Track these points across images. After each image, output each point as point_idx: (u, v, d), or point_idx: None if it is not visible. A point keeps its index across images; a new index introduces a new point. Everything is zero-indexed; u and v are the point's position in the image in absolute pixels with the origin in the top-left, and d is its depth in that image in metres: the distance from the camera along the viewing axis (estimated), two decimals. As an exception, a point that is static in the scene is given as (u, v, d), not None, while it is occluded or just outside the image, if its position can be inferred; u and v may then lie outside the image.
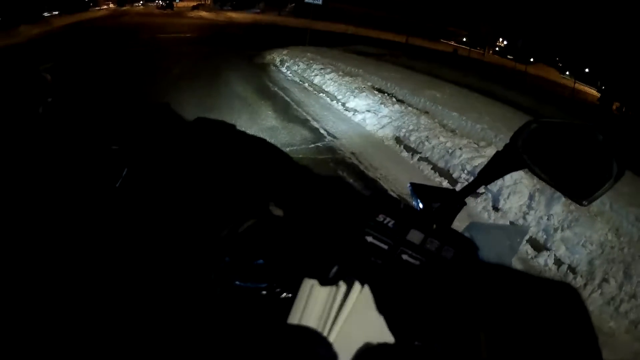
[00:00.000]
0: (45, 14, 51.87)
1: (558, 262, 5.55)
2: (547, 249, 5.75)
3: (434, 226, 1.22)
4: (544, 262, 5.52)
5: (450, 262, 1.16)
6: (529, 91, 28.21)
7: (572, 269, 5.42)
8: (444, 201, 1.40)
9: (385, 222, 1.16)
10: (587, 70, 77.97)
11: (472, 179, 4.93)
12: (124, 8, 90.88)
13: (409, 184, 1.50)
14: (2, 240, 1.29)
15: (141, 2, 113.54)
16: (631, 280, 5.19)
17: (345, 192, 1.38)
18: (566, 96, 41.24)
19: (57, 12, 57.11)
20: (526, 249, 5.74)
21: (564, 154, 1.33)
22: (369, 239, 1.12)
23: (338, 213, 1.21)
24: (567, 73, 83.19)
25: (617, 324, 4.71)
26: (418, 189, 1.47)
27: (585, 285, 5.17)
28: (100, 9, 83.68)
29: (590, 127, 1.28)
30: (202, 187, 1.34)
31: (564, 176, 1.31)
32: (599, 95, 51.18)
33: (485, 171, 1.34)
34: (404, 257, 1.12)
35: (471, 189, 1.34)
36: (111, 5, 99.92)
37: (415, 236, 1.15)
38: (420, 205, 1.42)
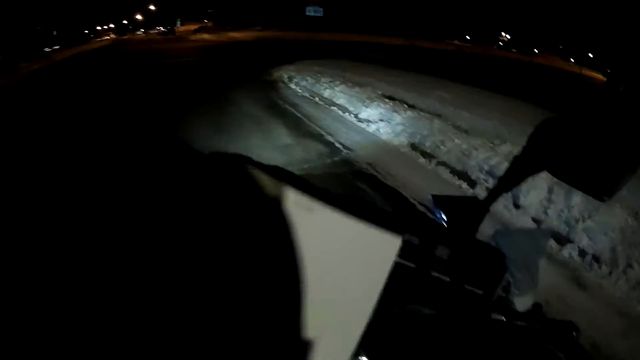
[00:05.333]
0: (46, 49, 52.32)
1: (582, 253, 5.54)
2: (571, 242, 5.75)
3: (460, 239, 1.24)
4: (569, 255, 5.52)
5: (480, 274, 1.17)
6: (535, 82, 28.16)
7: (596, 258, 5.42)
8: (468, 211, 1.42)
9: (410, 240, 1.17)
10: (590, 55, 77.72)
11: (489, 178, 4.97)
12: (125, 37, 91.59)
13: (430, 196, 1.50)
14: None
15: (142, 30, 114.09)
16: None
17: (367, 213, 1.35)
18: (573, 83, 41.11)
19: (57, 47, 57.63)
20: (551, 244, 5.72)
21: (582, 150, 1.32)
22: (396, 259, 1.12)
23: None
24: (572, 60, 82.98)
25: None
26: (440, 201, 1.47)
27: (610, 273, 5.15)
28: (102, 40, 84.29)
29: (604, 118, 1.30)
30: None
31: (583, 173, 1.30)
32: (604, 79, 50.86)
33: (506, 177, 1.36)
34: (434, 274, 1.14)
35: (494, 196, 1.37)
36: (112, 36, 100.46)
37: (442, 252, 1.16)
38: (444, 217, 1.42)
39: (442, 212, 1.42)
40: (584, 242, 5.70)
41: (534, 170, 1.40)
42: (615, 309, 4.65)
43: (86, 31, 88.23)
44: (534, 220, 6.32)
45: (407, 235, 1.17)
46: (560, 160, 1.33)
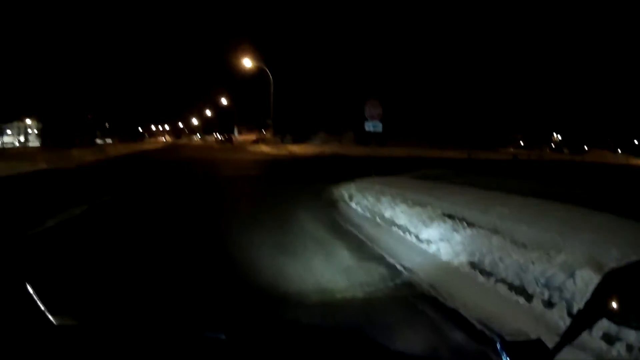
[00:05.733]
0: (98, 141, 53.56)
1: (629, 347, 5.59)
2: (619, 340, 5.74)
3: None
4: (617, 352, 5.60)
5: None
6: (589, 183, 27.94)
7: None
8: (533, 356, 1.44)
9: None
10: (636, 142, 76.72)
11: (545, 290, 5.16)
12: (182, 141, 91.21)
13: (497, 342, 1.54)
14: None
15: (198, 135, 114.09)
16: None
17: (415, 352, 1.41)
18: (625, 175, 40.69)
19: (110, 140, 58.84)
20: (600, 344, 5.77)
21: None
22: None
23: None
24: (619, 151, 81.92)
25: None
26: (507, 346, 1.48)
27: None
28: (157, 141, 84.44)
29: None
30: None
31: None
32: None
33: (571, 329, 1.46)
34: None
35: (562, 345, 1.45)
36: (167, 138, 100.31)
37: None
38: None
39: (508, 358, 1.45)
40: (632, 338, 5.65)
41: (597, 319, 1.44)
42: None
43: (140, 129, 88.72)
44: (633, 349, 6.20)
45: None
46: (628, 308, 1.33)
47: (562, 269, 7.71)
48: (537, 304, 7.22)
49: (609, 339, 6.08)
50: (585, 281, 6.98)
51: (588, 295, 1.45)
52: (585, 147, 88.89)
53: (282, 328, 1.87)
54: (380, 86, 68.63)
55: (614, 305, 1.34)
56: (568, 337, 1.44)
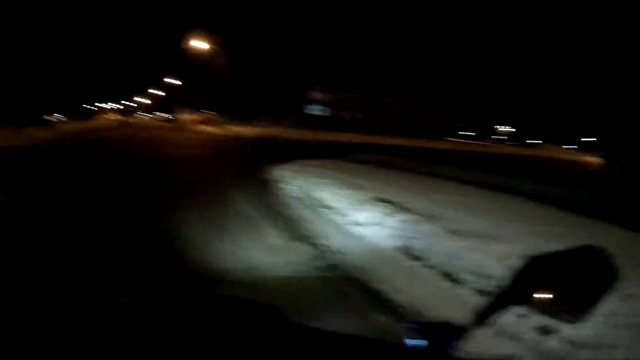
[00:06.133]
0: (51, 119, 53.30)
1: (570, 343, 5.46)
2: (555, 332, 5.63)
3: None
4: (553, 344, 5.50)
5: None
6: (531, 175, 28.35)
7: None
8: (449, 337, 1.39)
9: None
10: (586, 140, 78.92)
11: (478, 279, 5.05)
12: (129, 119, 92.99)
13: (411, 323, 1.47)
14: None
15: (145, 113, 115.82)
16: None
17: (331, 334, 1.39)
18: (570, 170, 41.66)
19: (63, 118, 58.53)
20: (533, 335, 5.67)
21: (557, 279, 1.39)
22: None
23: None
24: (568, 147, 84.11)
25: None
26: (421, 327, 1.44)
27: None
28: (107, 119, 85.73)
29: (588, 247, 1.34)
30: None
31: (557, 301, 1.36)
32: (601, 162, 51.81)
33: (489, 310, 1.37)
34: None
35: (477, 324, 1.36)
36: (117, 116, 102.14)
37: None
38: (425, 344, 1.38)
39: (422, 339, 1.39)
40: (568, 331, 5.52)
41: (515, 303, 1.50)
42: None
43: (91, 107, 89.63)
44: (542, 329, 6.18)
45: None
46: (545, 291, 1.38)
47: (499, 259, 7.57)
48: (468, 291, 7.08)
49: (524, 323, 6.06)
50: (518, 271, 6.84)
51: (507, 281, 1.53)
52: (532, 141, 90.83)
53: (198, 299, 1.87)
54: (327, 74, 69.17)
55: (530, 291, 1.43)
56: (482, 319, 1.46)
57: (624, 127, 46.68)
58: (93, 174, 17.84)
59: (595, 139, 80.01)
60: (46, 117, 53.29)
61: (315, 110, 25.60)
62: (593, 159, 63.16)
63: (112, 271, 6.69)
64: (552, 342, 5.64)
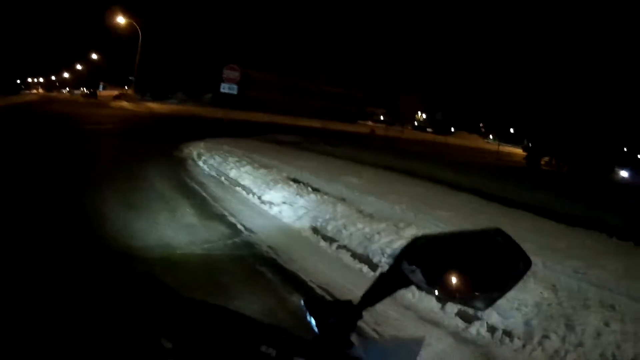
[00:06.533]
0: None
1: (491, 329, 5.63)
2: (478, 319, 5.80)
3: (324, 347, 1.27)
4: (477, 332, 5.60)
5: None
6: (449, 163, 28.83)
7: (507, 333, 5.52)
8: (340, 316, 1.42)
9: (267, 352, 1.19)
10: (511, 130, 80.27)
11: (391, 261, 5.06)
12: (52, 94, 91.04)
13: (302, 301, 1.49)
14: None
15: (68, 89, 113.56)
16: (574, 331, 5.33)
17: (237, 314, 1.36)
18: (490, 160, 42.25)
19: None
20: (456, 322, 5.84)
21: (456, 264, 1.37)
22: None
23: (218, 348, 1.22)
24: (491, 137, 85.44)
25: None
26: (312, 305, 1.45)
27: (524, 345, 5.27)
28: (31, 93, 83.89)
29: (486, 232, 1.37)
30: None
31: (457, 287, 1.34)
32: (524, 153, 52.35)
33: (370, 292, 1.41)
34: None
35: (364, 305, 1.41)
36: (40, 91, 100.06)
37: None
38: (314, 323, 1.41)
39: (312, 318, 1.43)
40: (493, 318, 5.76)
41: (400, 286, 1.47)
42: None
43: (18, 81, 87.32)
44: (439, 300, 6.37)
45: (264, 347, 1.20)
46: (434, 274, 1.38)
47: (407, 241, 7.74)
48: (378, 272, 7.20)
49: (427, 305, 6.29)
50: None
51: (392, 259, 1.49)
52: (452, 129, 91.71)
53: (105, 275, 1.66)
54: (241, 53, 68.81)
55: (411, 268, 1.41)
56: (366, 301, 1.44)
57: (550, 116, 47.17)
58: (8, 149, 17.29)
59: (513, 130, 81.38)
60: None
61: (229, 88, 25.30)
62: (517, 150, 64.10)
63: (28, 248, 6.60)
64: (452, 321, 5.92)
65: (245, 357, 1.19)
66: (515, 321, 5.67)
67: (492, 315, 5.77)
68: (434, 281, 1.38)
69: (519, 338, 5.42)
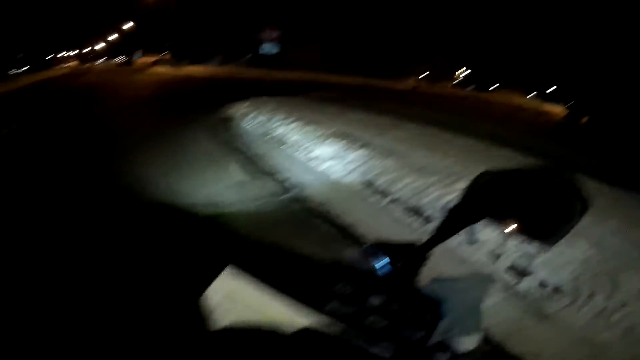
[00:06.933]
0: (12, 72, 52.20)
1: (542, 284, 5.56)
2: (530, 273, 5.76)
3: (396, 286, 1.23)
4: (528, 287, 5.54)
5: (415, 320, 1.16)
6: (492, 119, 28.52)
7: (557, 289, 5.45)
8: (407, 258, 1.35)
9: (346, 288, 1.16)
10: (553, 88, 79.08)
11: (443, 216, 4.92)
12: (86, 66, 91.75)
13: (368, 244, 1.43)
14: None
15: (102, 59, 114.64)
16: (619, 290, 5.26)
17: (305, 260, 1.38)
18: (532, 118, 41.76)
19: (23, 70, 57.46)
20: (508, 277, 5.78)
21: (523, 199, 1.35)
22: (333, 304, 1.11)
23: (298, 286, 1.21)
24: (533, 94, 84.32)
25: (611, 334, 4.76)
26: (378, 248, 1.47)
27: (572, 302, 5.18)
28: (64, 67, 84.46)
29: (547, 170, 1.31)
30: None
31: (525, 221, 1.33)
32: (565, 112, 51.64)
33: (442, 227, 1.36)
34: (368, 321, 1.12)
35: (432, 244, 1.36)
36: (75, 63, 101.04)
37: (377, 299, 1.15)
38: (382, 264, 1.40)
39: (380, 259, 1.42)
40: (544, 273, 5.69)
41: (471, 220, 1.43)
42: (578, 338, 4.67)
43: (51, 56, 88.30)
44: (492, 255, 6.31)
45: (342, 284, 1.15)
46: (501, 209, 1.36)
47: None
48: (433, 227, 7.10)
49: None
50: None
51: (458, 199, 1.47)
52: (493, 86, 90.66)
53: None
54: (280, 12, 68.36)
55: (485, 206, 1.39)
56: (440, 236, 1.45)
57: (593, 77, 46.30)
58: (57, 118, 17.47)
59: (556, 87, 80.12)
60: (11, 71, 52.32)
61: (268, 49, 25.31)
62: (558, 109, 63.24)
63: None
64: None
65: (324, 296, 1.15)
66: (564, 277, 5.61)
67: (542, 271, 5.74)
68: (501, 216, 1.39)
69: (567, 295, 5.36)
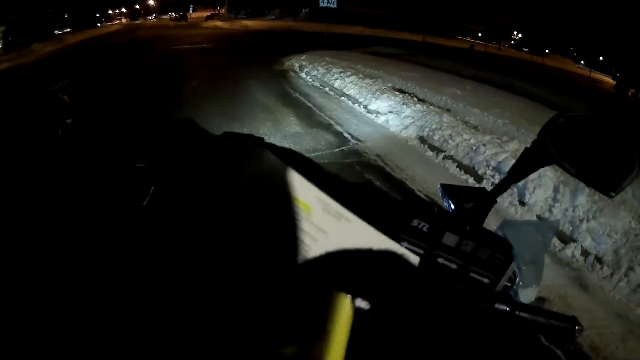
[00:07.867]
0: (57, 32, 52.22)
1: (585, 253, 5.54)
2: (574, 241, 5.73)
3: (468, 227, 1.26)
4: (572, 254, 5.53)
5: (486, 263, 1.19)
6: (546, 83, 27.96)
7: (598, 259, 5.42)
8: (476, 201, 1.39)
9: (419, 226, 1.18)
10: (601, 58, 77.30)
11: (496, 174, 4.97)
12: (137, 22, 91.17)
13: (439, 185, 1.44)
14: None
15: (154, 15, 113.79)
16: None
17: (377, 198, 1.37)
18: (582, 86, 40.73)
19: (68, 29, 57.46)
20: (554, 241, 5.75)
21: (590, 146, 1.36)
22: (404, 244, 1.15)
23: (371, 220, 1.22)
24: (583, 62, 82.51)
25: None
26: (449, 190, 1.44)
27: (612, 274, 5.15)
28: (113, 24, 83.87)
29: (614, 118, 1.34)
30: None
31: (591, 169, 1.32)
32: (614, 82, 50.38)
33: (514, 169, 1.37)
34: (440, 260, 1.16)
35: (502, 188, 1.39)
36: (124, 20, 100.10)
37: (450, 239, 1.16)
38: (452, 207, 1.41)
39: (450, 201, 1.42)
40: (587, 242, 5.69)
41: (543, 163, 1.38)
42: (615, 312, 4.67)
43: (97, 15, 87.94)
44: (539, 217, 6.33)
45: (417, 221, 1.19)
46: (570, 154, 1.36)
47: (514, 156, 7.56)
48: (486, 185, 7.09)
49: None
50: (539, 171, 6.87)
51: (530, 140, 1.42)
52: (547, 51, 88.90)
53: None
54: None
55: (555, 147, 1.39)
56: (509, 179, 1.40)
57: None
58: (108, 74, 17.71)
59: (603, 58, 78.25)
60: (56, 31, 52.33)
61: (328, 2, 24.95)
62: (607, 78, 61.77)
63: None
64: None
65: (399, 228, 1.17)
66: (606, 248, 5.56)
67: (586, 239, 5.71)
68: (572, 160, 1.35)
69: (608, 266, 5.32)
